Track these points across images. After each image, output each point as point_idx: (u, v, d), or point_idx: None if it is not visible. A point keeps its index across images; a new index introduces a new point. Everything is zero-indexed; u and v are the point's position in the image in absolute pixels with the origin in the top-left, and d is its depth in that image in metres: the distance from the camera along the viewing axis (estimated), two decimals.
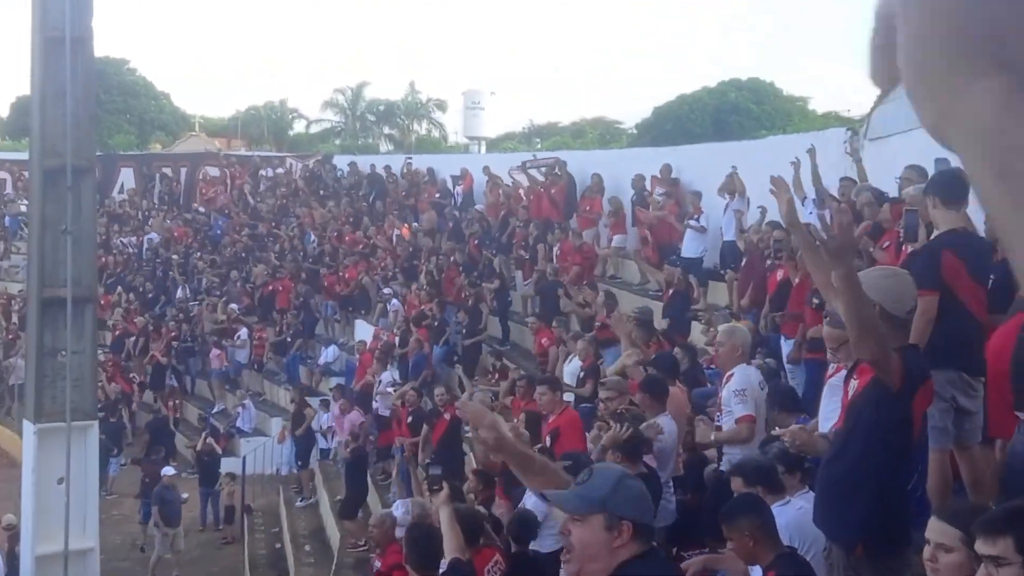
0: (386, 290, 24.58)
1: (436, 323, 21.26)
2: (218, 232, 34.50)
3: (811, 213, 13.85)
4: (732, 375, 8.54)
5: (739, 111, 53.76)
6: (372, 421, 19.40)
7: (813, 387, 9.40)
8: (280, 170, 38.94)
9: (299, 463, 21.79)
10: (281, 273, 28.65)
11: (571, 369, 13.97)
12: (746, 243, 15.58)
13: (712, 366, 11.03)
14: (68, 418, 12.12)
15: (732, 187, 17.36)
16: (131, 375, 27.99)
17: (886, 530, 5.11)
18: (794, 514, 6.12)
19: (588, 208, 22.33)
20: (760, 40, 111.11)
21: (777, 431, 6.66)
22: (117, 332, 29.98)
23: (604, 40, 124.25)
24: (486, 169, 27.48)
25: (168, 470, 20.42)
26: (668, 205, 19.42)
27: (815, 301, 9.72)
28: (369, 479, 18.17)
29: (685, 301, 15.64)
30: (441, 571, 7.05)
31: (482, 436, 3.99)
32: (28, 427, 12.43)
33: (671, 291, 15.87)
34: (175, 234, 35.24)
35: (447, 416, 15.34)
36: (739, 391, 8.40)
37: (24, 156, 30.15)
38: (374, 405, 19.84)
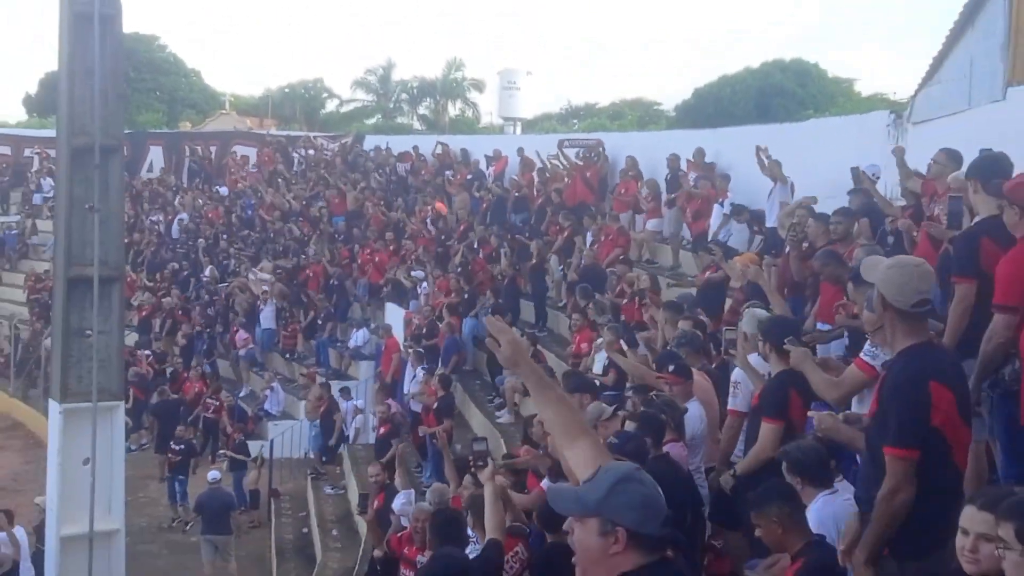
0: (416, 272, 24.67)
1: (466, 295, 21.38)
2: (248, 213, 34.66)
3: None
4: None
5: (783, 93, 53.27)
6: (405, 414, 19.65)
7: None
8: (311, 151, 39.07)
9: (324, 459, 21.94)
10: (316, 257, 28.69)
11: (600, 358, 13.88)
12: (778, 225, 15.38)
13: None
14: (95, 399, 12.28)
15: (773, 173, 17.20)
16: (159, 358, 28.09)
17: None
18: (842, 504, 6.13)
19: (623, 191, 22.40)
20: (807, 20, 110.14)
21: (811, 413, 6.67)
22: (144, 313, 30.29)
23: (644, 19, 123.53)
24: (520, 151, 27.49)
25: (214, 474, 19.51)
26: (705, 189, 19.33)
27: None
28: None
29: (720, 287, 15.37)
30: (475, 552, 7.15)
31: (503, 346, 4.05)
32: (54, 407, 12.59)
33: (707, 274, 15.62)
34: (208, 215, 35.37)
35: None
36: (734, 383, 8.63)
37: (51, 134, 30.36)
38: (405, 398, 20.06)
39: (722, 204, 18.08)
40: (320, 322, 26.92)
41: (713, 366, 10.51)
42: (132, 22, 76.32)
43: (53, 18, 12.57)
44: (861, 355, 7.01)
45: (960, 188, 8.31)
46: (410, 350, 20.83)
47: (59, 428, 12.37)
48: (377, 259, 26.77)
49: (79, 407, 12.31)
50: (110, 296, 12.59)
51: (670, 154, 21.68)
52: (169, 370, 27.25)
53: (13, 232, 39.26)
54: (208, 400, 24.97)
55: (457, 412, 18.90)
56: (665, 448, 7.85)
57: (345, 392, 22.78)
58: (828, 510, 6.12)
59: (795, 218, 12.65)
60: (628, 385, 10.72)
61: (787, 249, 12.35)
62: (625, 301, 15.65)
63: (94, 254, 12.24)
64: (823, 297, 10.40)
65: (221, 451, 23.24)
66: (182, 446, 22.08)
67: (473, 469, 7.80)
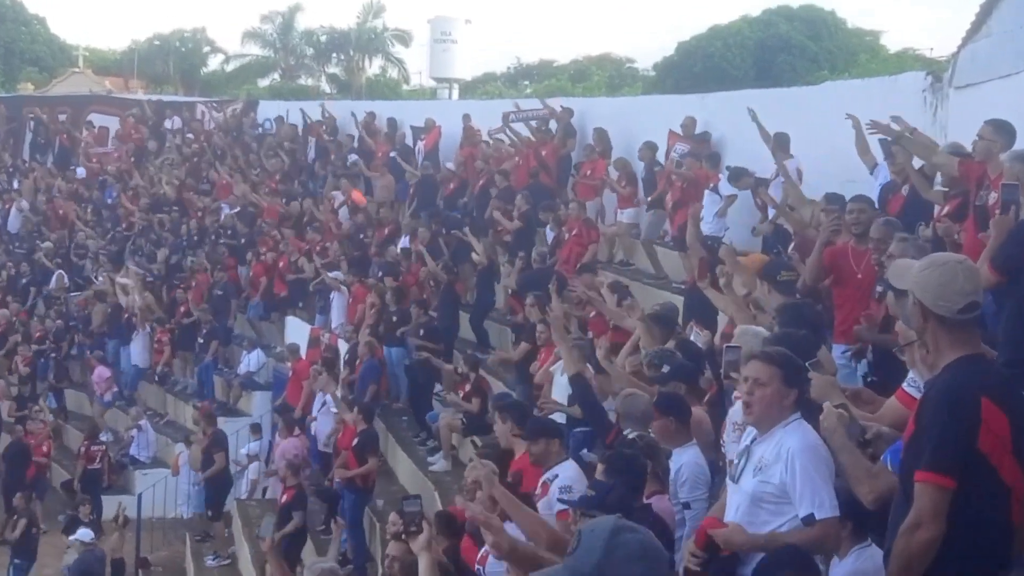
0: (334, 273, 24.10)
1: (395, 319, 21.07)
2: (108, 203, 34.20)
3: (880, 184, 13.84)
4: None
5: (790, 48, 53.83)
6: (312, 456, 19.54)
7: None
8: (184, 132, 38.43)
9: (209, 513, 21.49)
10: (195, 263, 28.30)
11: (562, 383, 13.80)
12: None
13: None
14: None
15: (781, 148, 17.21)
16: None
17: None
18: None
19: (589, 173, 22.21)
20: None
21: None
22: None
23: None
24: (467, 118, 27.25)
25: (85, 532, 19.30)
26: (693, 169, 19.18)
27: (879, 289, 9.67)
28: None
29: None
30: None
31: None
32: None
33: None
34: (60, 212, 34.61)
35: None
36: (735, 424, 8.01)
37: None
38: (311, 431, 19.92)
39: (715, 190, 17.94)
40: (202, 340, 26.49)
41: (706, 398, 10.36)
42: None
43: None
44: (904, 386, 6.93)
45: (1016, 173, 8.33)
46: (320, 375, 20.47)
47: None
48: (280, 264, 26.39)
49: None
50: None
51: (643, 143, 21.32)
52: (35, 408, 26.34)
53: None
54: (92, 448, 24.06)
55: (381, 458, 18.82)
56: (648, 501, 7.72)
57: (256, 430, 22.42)
58: (865, 566, 6.06)
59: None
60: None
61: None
62: (593, 314, 15.60)
63: None
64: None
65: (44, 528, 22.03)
66: (24, 520, 21.19)
67: (404, 536, 7.72)
